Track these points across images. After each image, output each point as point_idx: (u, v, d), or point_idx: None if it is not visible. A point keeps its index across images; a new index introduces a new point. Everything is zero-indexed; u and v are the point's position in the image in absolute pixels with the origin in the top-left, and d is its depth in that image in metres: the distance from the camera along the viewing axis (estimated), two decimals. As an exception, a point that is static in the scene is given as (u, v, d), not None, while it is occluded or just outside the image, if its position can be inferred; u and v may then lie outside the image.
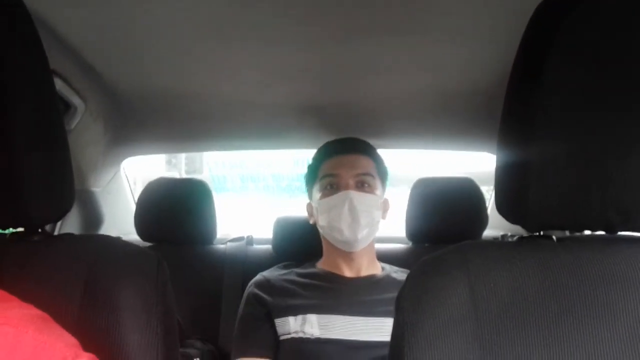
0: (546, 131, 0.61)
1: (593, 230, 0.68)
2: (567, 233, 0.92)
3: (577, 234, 0.82)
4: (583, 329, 0.61)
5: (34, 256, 0.67)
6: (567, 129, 0.61)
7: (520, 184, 0.64)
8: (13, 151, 0.61)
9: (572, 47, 0.59)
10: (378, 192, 1.32)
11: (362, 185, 1.29)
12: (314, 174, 1.37)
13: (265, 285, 1.32)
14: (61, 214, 0.71)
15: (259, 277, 1.36)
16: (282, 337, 1.23)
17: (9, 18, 0.61)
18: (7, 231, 0.71)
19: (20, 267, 0.66)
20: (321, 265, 1.38)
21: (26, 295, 0.56)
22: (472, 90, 1.44)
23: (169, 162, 4.14)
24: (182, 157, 4.15)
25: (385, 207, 1.36)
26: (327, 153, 1.36)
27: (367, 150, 1.36)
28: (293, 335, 1.21)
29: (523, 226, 0.68)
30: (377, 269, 1.37)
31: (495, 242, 0.72)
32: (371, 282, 1.31)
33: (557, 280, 0.64)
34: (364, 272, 1.33)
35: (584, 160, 0.61)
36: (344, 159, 1.32)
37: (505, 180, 0.67)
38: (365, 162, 1.32)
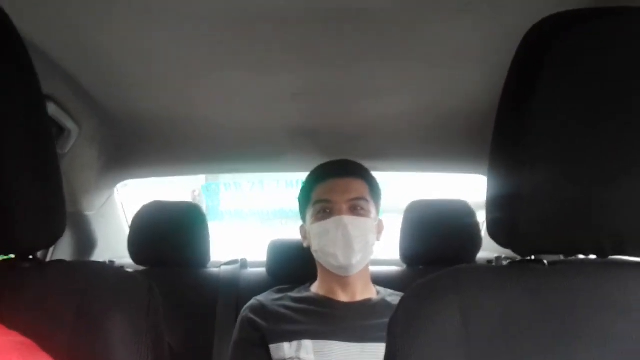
0: (537, 154, 0.61)
1: (584, 254, 0.68)
2: (559, 257, 0.93)
3: (569, 258, 0.82)
4: (575, 353, 0.61)
5: (25, 283, 0.67)
6: (558, 153, 0.61)
7: (510, 207, 0.64)
8: (3, 176, 0.61)
9: (562, 71, 0.59)
10: (372, 215, 1.31)
11: (355, 209, 1.28)
12: (307, 198, 1.35)
13: (259, 310, 1.31)
14: (53, 240, 0.70)
15: (253, 301, 1.35)
16: None
17: (3, 44, 0.61)
18: (-3, 258, 0.70)
19: (10, 293, 0.65)
20: (316, 289, 1.37)
21: (16, 322, 0.55)
22: (464, 113, 1.45)
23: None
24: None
25: (379, 228, 1.35)
26: (319, 177, 1.35)
27: (361, 173, 1.35)
28: None
29: (514, 250, 0.68)
30: (372, 292, 1.36)
31: (487, 267, 0.72)
32: (366, 307, 1.30)
33: (549, 305, 0.64)
34: (359, 297, 1.32)
35: (574, 183, 0.61)
36: (337, 182, 1.31)
37: (496, 204, 0.68)
38: (358, 186, 1.31)
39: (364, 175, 1.35)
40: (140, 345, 0.65)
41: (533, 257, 0.69)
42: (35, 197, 0.65)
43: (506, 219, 0.65)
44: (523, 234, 0.64)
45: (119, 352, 0.63)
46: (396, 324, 0.66)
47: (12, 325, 0.55)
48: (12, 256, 0.70)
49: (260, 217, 4.58)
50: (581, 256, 0.70)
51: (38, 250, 0.71)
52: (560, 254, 0.70)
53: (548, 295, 0.64)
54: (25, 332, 0.55)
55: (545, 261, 0.69)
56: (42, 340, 0.55)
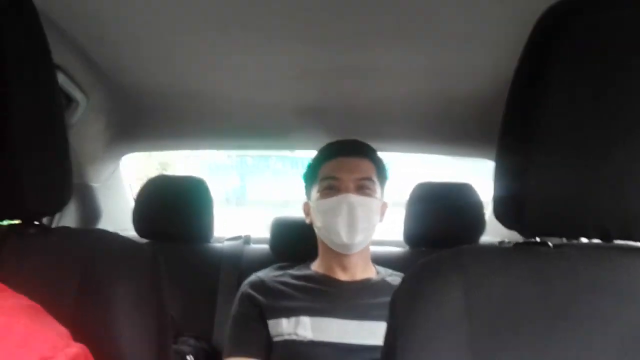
0: (545, 138, 0.61)
1: (589, 238, 0.68)
2: (564, 240, 0.93)
3: (573, 241, 0.82)
4: (576, 336, 0.61)
5: (30, 248, 0.67)
6: (566, 137, 0.61)
7: (517, 190, 0.64)
8: (12, 142, 0.61)
9: (574, 55, 0.59)
10: (377, 195, 1.31)
11: (362, 189, 1.28)
12: (313, 175, 1.36)
13: (259, 285, 1.32)
14: (58, 208, 0.71)
15: (253, 277, 1.36)
16: (275, 339, 1.23)
17: (15, 9, 0.61)
18: (3, 223, 0.71)
19: (16, 258, 0.66)
20: (316, 267, 1.38)
21: (21, 286, 0.56)
22: (473, 96, 1.44)
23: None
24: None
25: (383, 209, 1.36)
26: (328, 154, 1.35)
27: (369, 154, 1.35)
28: (286, 337, 1.21)
29: (519, 232, 0.68)
30: (372, 272, 1.37)
31: (490, 247, 0.72)
32: (365, 286, 1.31)
33: (552, 287, 0.64)
34: (359, 276, 1.33)
35: (581, 167, 0.61)
36: (346, 161, 1.31)
37: (503, 186, 0.67)
38: (366, 166, 1.31)
39: (371, 155, 1.35)
40: (144, 312, 0.66)
41: (538, 240, 0.69)
42: (42, 163, 0.65)
43: (513, 200, 0.65)
44: (529, 216, 0.64)
45: (122, 318, 0.64)
46: (398, 301, 0.67)
47: (18, 289, 0.56)
48: (18, 221, 0.70)
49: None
50: (585, 240, 0.71)
51: (43, 216, 0.71)
52: (565, 236, 0.70)
53: (551, 278, 0.65)
54: (31, 297, 0.55)
55: (550, 244, 0.69)
56: (47, 305, 0.55)
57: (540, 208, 0.63)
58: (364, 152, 1.35)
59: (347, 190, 1.27)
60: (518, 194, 0.64)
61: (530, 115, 0.61)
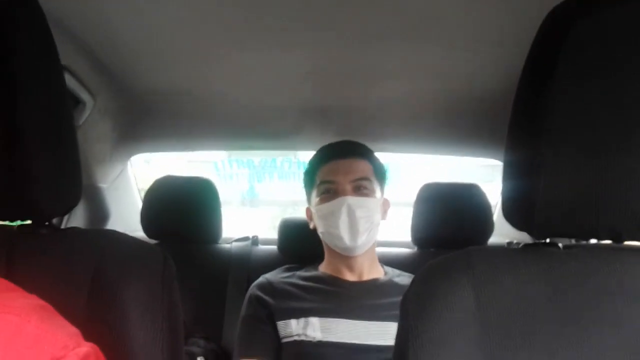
0: (554, 138, 0.61)
1: (600, 239, 0.68)
2: (573, 241, 0.92)
3: (583, 242, 0.81)
4: (587, 338, 0.61)
5: (41, 249, 0.68)
6: (575, 136, 0.60)
7: (527, 190, 0.64)
8: (23, 144, 0.62)
9: (583, 52, 0.58)
10: (377, 194, 1.30)
11: (359, 190, 1.27)
12: (311, 180, 1.35)
13: (267, 287, 1.32)
14: (68, 208, 0.71)
15: (261, 279, 1.36)
16: (284, 340, 1.23)
17: (22, 11, 0.62)
18: (14, 223, 0.71)
19: (27, 259, 0.66)
20: (323, 268, 1.37)
21: (32, 286, 0.56)
22: (479, 96, 1.44)
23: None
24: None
25: (385, 207, 1.35)
26: (323, 158, 1.34)
27: (364, 153, 1.34)
28: (295, 337, 1.21)
29: (529, 233, 0.68)
30: (380, 272, 1.36)
31: (500, 248, 0.72)
32: (373, 286, 1.31)
33: (563, 288, 0.64)
34: (366, 276, 1.32)
35: (591, 167, 0.61)
36: (341, 163, 1.30)
37: (513, 187, 0.67)
38: (362, 166, 1.31)
39: (366, 155, 1.34)
40: (156, 312, 0.66)
41: (548, 241, 0.69)
42: (53, 165, 0.66)
43: (522, 201, 0.65)
44: (539, 217, 0.64)
45: (134, 318, 0.64)
46: (409, 302, 0.67)
47: (29, 289, 0.56)
48: (29, 222, 0.71)
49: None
50: (593, 241, 0.70)
51: (54, 216, 0.72)
52: (576, 237, 0.70)
53: (562, 279, 0.64)
54: (42, 297, 0.55)
55: (560, 245, 0.69)
56: (58, 305, 0.55)
57: (550, 209, 0.63)
58: (359, 152, 1.34)
59: (344, 193, 1.26)
60: (528, 195, 0.64)
61: (539, 115, 0.61)
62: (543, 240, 0.70)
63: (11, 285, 0.56)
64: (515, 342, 0.61)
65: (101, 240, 0.71)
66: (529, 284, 0.64)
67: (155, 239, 1.67)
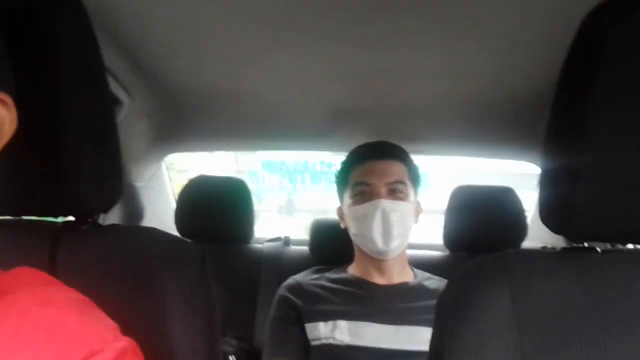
0: (595, 141, 0.60)
1: (638, 243, 0.67)
2: (608, 246, 0.90)
3: (621, 246, 0.80)
4: (627, 344, 0.60)
5: (84, 245, 0.69)
6: (616, 139, 0.59)
7: (566, 194, 0.63)
8: (68, 142, 0.63)
9: (625, 53, 0.57)
10: (411, 198, 1.28)
11: (394, 193, 1.26)
12: (344, 180, 1.34)
13: (296, 289, 1.32)
14: (110, 205, 0.73)
15: (290, 280, 1.37)
16: (313, 343, 1.23)
17: (66, 11, 0.64)
18: (58, 219, 0.73)
19: (69, 254, 0.68)
20: (352, 270, 1.37)
21: (73, 281, 0.58)
22: (516, 98, 1.42)
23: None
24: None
25: (417, 210, 1.33)
26: (358, 158, 1.33)
27: (400, 156, 1.32)
28: (324, 341, 1.21)
29: (567, 237, 0.67)
30: (409, 276, 1.35)
31: (537, 252, 0.71)
32: (403, 290, 1.29)
33: (602, 293, 0.63)
34: (396, 279, 1.31)
35: (633, 170, 0.60)
36: (376, 165, 1.28)
37: (551, 190, 0.66)
38: (397, 169, 1.29)
39: (402, 157, 1.32)
40: (194, 309, 0.67)
41: (586, 245, 0.68)
42: (96, 162, 0.67)
43: (561, 205, 0.64)
44: (578, 220, 0.63)
45: (174, 313, 0.65)
46: (444, 305, 0.66)
47: (70, 283, 0.57)
48: (72, 218, 0.73)
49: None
50: (630, 246, 0.69)
51: (97, 213, 0.74)
52: (615, 241, 0.69)
53: (600, 284, 0.63)
54: (82, 291, 0.57)
55: (599, 249, 0.68)
56: (98, 299, 0.57)
57: (590, 212, 0.62)
58: (395, 154, 1.32)
59: (379, 196, 1.24)
60: (567, 198, 0.63)
61: (579, 119, 0.60)
62: (581, 245, 0.69)
63: (51, 279, 0.57)
64: (553, 346, 0.61)
65: (142, 237, 0.72)
66: (568, 288, 0.63)
67: (188, 238, 1.69)
